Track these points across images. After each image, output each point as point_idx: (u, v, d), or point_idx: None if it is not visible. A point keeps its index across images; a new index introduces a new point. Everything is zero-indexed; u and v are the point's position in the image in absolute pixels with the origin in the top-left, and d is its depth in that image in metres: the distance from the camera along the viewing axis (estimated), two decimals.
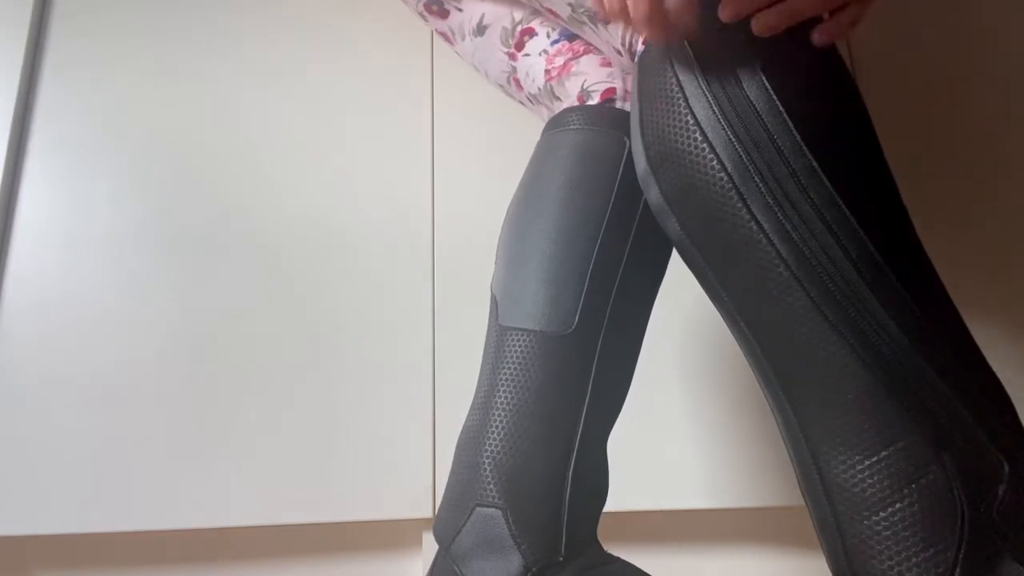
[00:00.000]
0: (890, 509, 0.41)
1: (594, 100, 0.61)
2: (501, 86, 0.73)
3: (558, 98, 0.64)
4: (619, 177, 0.57)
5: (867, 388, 0.42)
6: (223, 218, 0.87)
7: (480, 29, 0.69)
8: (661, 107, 0.48)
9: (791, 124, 0.45)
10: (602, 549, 0.50)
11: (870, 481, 0.42)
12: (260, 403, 0.81)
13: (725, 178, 0.45)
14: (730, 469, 0.82)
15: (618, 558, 0.49)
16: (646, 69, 0.51)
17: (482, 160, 0.92)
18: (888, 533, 0.41)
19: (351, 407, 0.82)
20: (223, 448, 0.79)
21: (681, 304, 0.85)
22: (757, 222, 0.44)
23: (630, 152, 0.57)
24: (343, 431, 0.81)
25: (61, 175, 0.86)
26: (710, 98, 0.46)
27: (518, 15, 0.66)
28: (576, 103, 0.62)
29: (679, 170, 0.47)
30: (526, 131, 0.92)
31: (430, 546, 0.79)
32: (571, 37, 0.64)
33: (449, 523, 0.50)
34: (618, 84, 0.61)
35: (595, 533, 0.51)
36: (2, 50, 0.88)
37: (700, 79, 0.47)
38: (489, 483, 0.49)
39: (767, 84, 0.46)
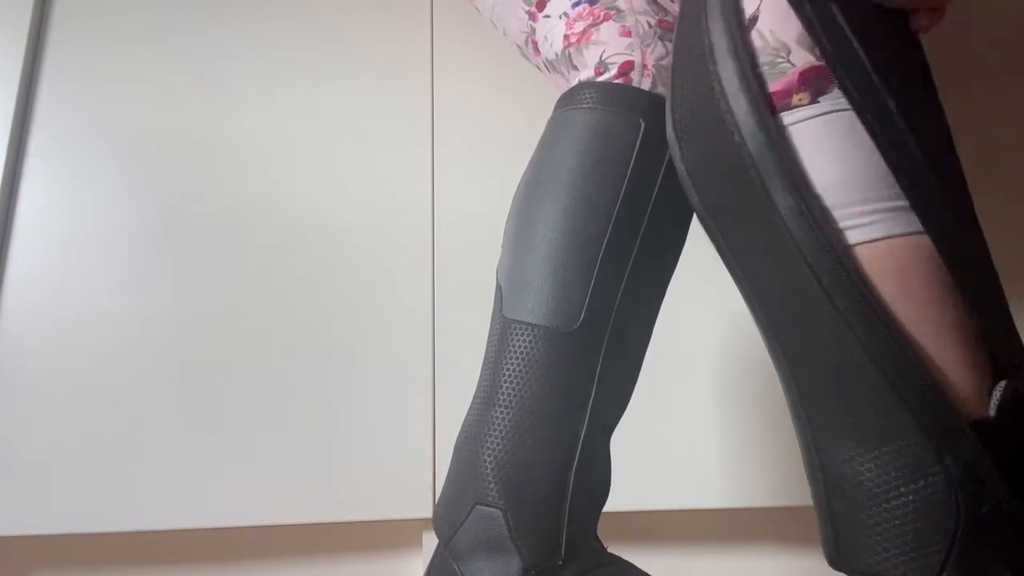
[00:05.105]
0: (884, 506, 0.40)
1: (611, 72, 0.58)
2: (518, 47, 0.70)
3: (575, 67, 0.61)
4: (632, 163, 0.53)
5: (872, 382, 0.40)
6: (222, 218, 0.87)
7: None
8: (691, 67, 0.45)
9: None
10: (602, 548, 0.49)
11: (867, 476, 0.40)
12: (260, 403, 0.81)
13: (746, 152, 0.43)
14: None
15: (618, 558, 0.49)
16: (683, 19, 0.47)
17: (483, 158, 0.92)
18: (879, 529, 0.40)
19: (351, 407, 0.82)
20: (223, 448, 0.79)
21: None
22: (772, 202, 0.42)
23: (645, 135, 0.54)
24: (343, 431, 0.81)
25: (61, 175, 0.86)
26: (735, 63, 0.43)
27: None
28: (593, 74, 0.59)
29: (702, 138, 0.44)
30: (527, 128, 0.92)
31: (430, 546, 0.79)
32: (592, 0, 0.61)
33: (448, 518, 0.50)
34: (636, 57, 0.57)
35: (595, 531, 0.50)
36: (2, 50, 0.88)
37: (729, 39, 0.43)
38: (490, 482, 0.48)
39: None
